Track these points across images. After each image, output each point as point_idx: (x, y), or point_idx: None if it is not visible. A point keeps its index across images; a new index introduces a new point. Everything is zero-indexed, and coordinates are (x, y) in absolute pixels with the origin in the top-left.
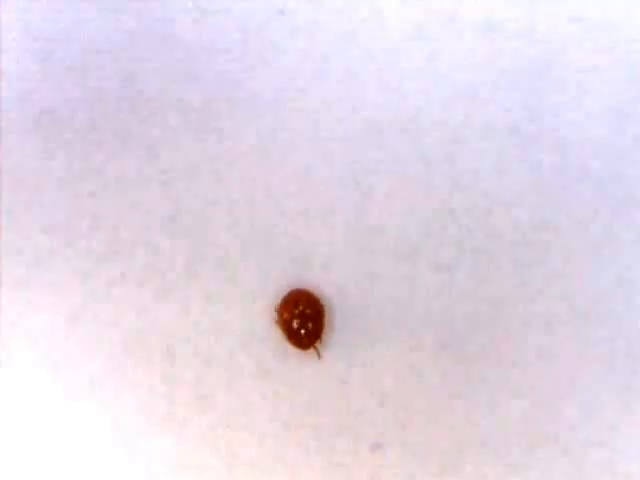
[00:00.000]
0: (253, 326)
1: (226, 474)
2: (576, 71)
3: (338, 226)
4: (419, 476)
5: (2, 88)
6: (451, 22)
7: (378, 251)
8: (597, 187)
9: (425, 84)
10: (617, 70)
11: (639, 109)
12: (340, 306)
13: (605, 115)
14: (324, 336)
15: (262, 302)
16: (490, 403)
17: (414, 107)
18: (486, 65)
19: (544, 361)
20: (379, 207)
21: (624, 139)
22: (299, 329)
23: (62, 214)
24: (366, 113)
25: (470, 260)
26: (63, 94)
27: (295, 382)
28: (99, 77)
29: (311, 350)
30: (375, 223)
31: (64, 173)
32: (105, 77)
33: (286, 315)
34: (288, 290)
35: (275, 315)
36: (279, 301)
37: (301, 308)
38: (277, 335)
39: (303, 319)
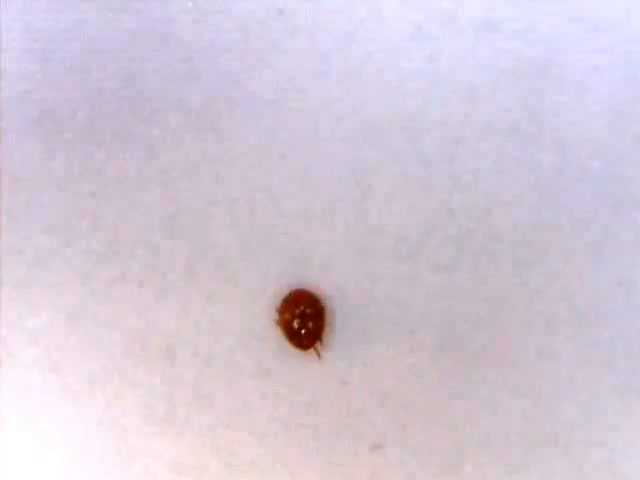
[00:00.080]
0: (253, 326)
1: (226, 474)
2: (576, 71)
3: (338, 226)
4: (419, 476)
5: (2, 88)
6: (451, 22)
7: (378, 251)
8: (597, 187)
9: (425, 84)
10: (617, 70)
11: (639, 109)
12: (340, 306)
13: (605, 115)
14: (324, 336)
15: (262, 302)
16: (490, 403)
17: (414, 107)
18: (486, 65)
19: (544, 361)
20: (379, 207)
21: (624, 139)
22: (300, 329)
23: (62, 214)
24: (366, 113)
25: (470, 260)
26: (63, 94)
27: (295, 382)
28: (99, 77)
29: (311, 350)
30: (375, 223)
31: (64, 173)
32: (105, 77)
33: (287, 315)
34: (288, 290)
35: (276, 315)
36: (280, 301)
37: (302, 308)
38: (277, 335)
39: (304, 319)
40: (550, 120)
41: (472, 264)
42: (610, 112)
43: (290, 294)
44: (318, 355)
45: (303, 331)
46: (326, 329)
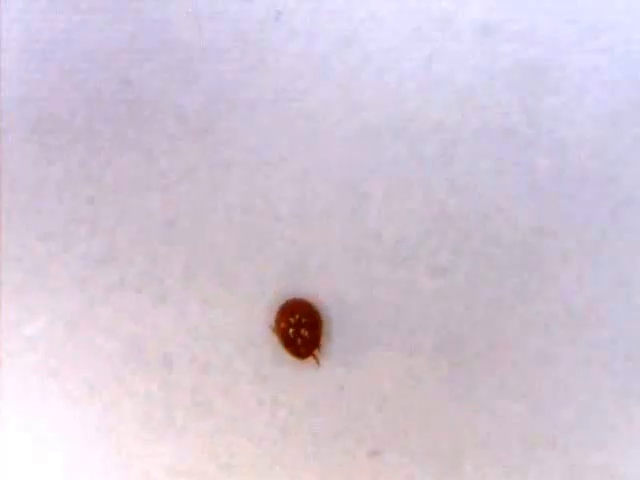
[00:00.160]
0: (251, 332)
1: None
2: (575, 72)
3: (335, 230)
4: None
5: (2, 88)
6: (449, 24)
7: (375, 255)
8: (596, 189)
9: (423, 86)
10: (617, 71)
11: (638, 110)
12: (337, 311)
13: (604, 117)
14: (321, 341)
15: (260, 308)
16: (489, 407)
17: (412, 109)
18: (484, 67)
19: (543, 364)
20: (376, 211)
21: (623, 141)
22: (295, 338)
23: (60, 220)
24: (364, 115)
25: (468, 264)
26: (61, 98)
27: (293, 388)
28: (97, 81)
29: (309, 358)
30: (372, 227)
31: (62, 178)
32: (104, 80)
33: (283, 324)
34: (285, 299)
35: (272, 323)
36: (277, 310)
37: (297, 317)
38: (275, 341)
39: (299, 328)
40: (548, 122)
41: (470, 267)
42: (609, 113)
43: (287, 303)
44: (317, 363)
45: (299, 340)
46: (323, 334)
